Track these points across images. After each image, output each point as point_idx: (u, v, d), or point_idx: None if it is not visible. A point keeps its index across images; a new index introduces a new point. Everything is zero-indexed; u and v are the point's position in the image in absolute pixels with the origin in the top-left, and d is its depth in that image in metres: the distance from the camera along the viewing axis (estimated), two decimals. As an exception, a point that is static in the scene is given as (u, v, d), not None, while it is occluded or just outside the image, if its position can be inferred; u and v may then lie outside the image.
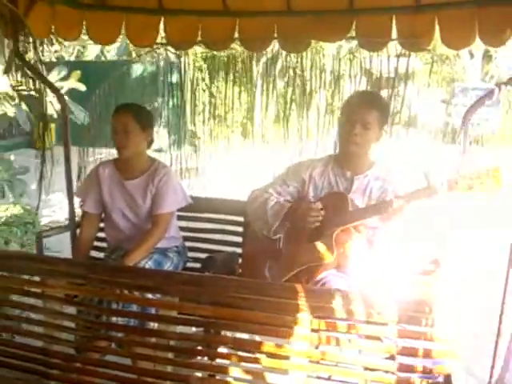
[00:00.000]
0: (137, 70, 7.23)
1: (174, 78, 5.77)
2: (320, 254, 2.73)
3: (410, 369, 1.97)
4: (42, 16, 3.48)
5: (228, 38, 3.66)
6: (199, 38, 3.67)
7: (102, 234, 3.45)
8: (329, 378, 2.12)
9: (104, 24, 3.61)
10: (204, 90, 5.32)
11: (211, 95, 5.30)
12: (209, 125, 5.80)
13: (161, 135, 5.73)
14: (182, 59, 5.29)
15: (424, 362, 1.98)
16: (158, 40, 3.80)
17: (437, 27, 3.19)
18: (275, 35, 3.55)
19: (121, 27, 3.64)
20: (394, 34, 3.35)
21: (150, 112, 3.30)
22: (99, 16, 3.60)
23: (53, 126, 6.51)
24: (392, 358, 2.01)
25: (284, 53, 5.07)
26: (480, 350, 3.15)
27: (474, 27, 3.08)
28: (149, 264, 3.02)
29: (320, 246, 2.76)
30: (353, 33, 3.41)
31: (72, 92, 6.28)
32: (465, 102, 12.26)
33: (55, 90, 3.69)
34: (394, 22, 3.29)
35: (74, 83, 6.44)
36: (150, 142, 3.26)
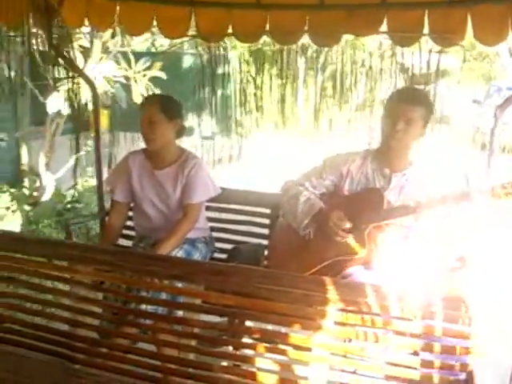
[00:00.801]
0: (195, 61, 7.43)
1: (222, 70, 5.95)
2: (350, 249, 2.73)
3: (432, 365, 1.96)
4: (76, 6, 3.52)
5: (259, 31, 3.65)
6: (230, 31, 3.67)
7: (129, 223, 3.49)
8: (354, 372, 2.12)
9: (136, 14, 3.64)
10: (249, 82, 5.39)
11: (256, 87, 5.37)
12: (253, 115, 5.91)
13: (209, 124, 6.01)
14: (231, 52, 5.43)
15: (446, 358, 1.98)
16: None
17: (469, 23, 3.16)
18: (306, 29, 3.54)
19: (152, 18, 3.66)
20: (427, 30, 3.32)
21: (177, 101, 3.32)
22: (132, 6, 3.62)
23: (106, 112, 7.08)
24: (415, 354, 2.02)
25: (326, 48, 5.10)
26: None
27: (506, 23, 3.04)
28: (180, 254, 3.04)
29: (351, 240, 2.75)
30: (385, 28, 3.38)
31: (154, 80, 6.73)
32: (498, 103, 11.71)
33: (87, 80, 3.73)
34: (426, 16, 3.26)
35: (157, 72, 6.77)
36: (179, 132, 3.26)
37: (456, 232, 2.68)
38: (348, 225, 2.74)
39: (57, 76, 5.09)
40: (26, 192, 6.53)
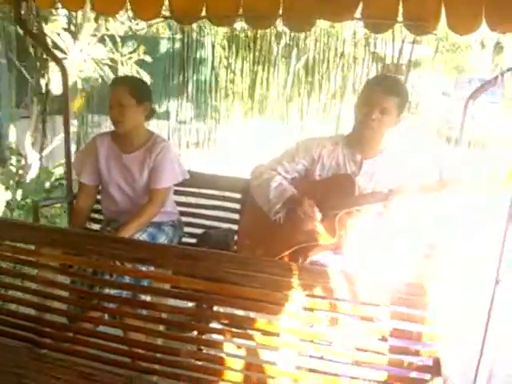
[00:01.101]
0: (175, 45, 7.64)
1: (198, 55, 6.08)
2: (319, 235, 2.73)
3: (401, 350, 1.98)
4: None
5: (232, 15, 3.61)
6: (203, 13, 3.63)
7: (98, 206, 3.45)
8: (321, 358, 2.12)
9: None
10: (225, 68, 5.46)
11: (232, 73, 5.44)
12: (228, 100, 6.03)
13: (185, 108, 6.22)
14: (207, 37, 5.54)
15: (414, 344, 2.00)
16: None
17: (443, 11, 3.16)
18: (280, 13, 3.51)
19: (125, -1, 3.59)
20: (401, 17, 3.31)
21: (147, 84, 3.27)
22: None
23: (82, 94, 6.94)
24: (384, 339, 2.03)
25: (302, 35, 5.18)
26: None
27: (480, 12, 3.04)
28: (143, 237, 3.02)
29: (321, 226, 2.75)
30: (359, 14, 3.37)
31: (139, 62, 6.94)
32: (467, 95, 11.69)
33: (57, 60, 3.66)
34: (400, 3, 3.26)
35: (142, 55, 6.98)
36: (149, 115, 3.23)
37: (426, 219, 2.70)
38: (318, 215, 2.74)
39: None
40: (13, 170, 6.54)
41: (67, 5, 3.72)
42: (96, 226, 3.53)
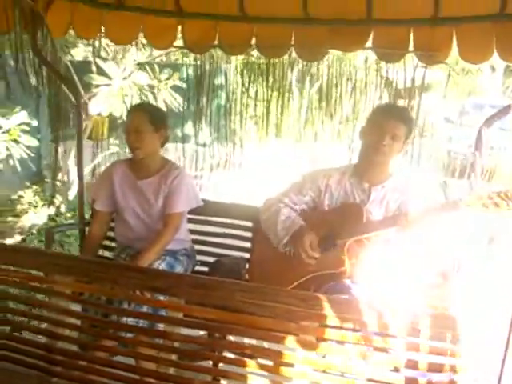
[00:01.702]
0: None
1: (218, 82, 6.38)
2: (331, 264, 2.73)
3: (416, 382, 1.96)
4: (61, 14, 3.51)
5: (245, 44, 3.65)
6: (216, 42, 3.67)
7: (110, 233, 3.45)
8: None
9: (122, 24, 3.62)
10: (243, 93, 5.68)
11: (249, 98, 5.68)
12: (247, 124, 6.31)
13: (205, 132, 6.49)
14: (226, 65, 5.86)
15: (428, 375, 1.98)
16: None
17: (454, 41, 3.19)
18: (292, 43, 3.55)
19: (139, 28, 3.65)
20: (412, 47, 3.34)
21: (163, 112, 3.31)
22: (118, 16, 3.60)
23: (106, 120, 7.64)
24: (396, 370, 2.01)
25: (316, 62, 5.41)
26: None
27: (491, 42, 3.07)
28: (162, 266, 3.03)
29: (331, 255, 2.76)
30: (371, 44, 3.40)
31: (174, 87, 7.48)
32: (473, 122, 10.21)
33: (72, 88, 3.70)
34: (411, 34, 3.29)
35: (177, 81, 7.45)
36: (164, 142, 3.26)
37: (437, 245, 2.69)
38: (316, 254, 2.77)
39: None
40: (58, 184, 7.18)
41: (82, 33, 3.78)
42: (107, 253, 3.53)
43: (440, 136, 12.74)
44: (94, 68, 7.07)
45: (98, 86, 6.85)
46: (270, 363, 2.12)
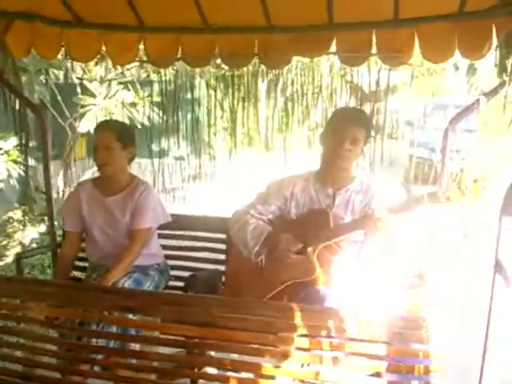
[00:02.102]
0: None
1: (191, 95, 6.65)
2: (303, 271, 2.72)
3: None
4: (21, 34, 3.44)
5: (208, 55, 3.63)
6: (179, 55, 3.65)
7: (82, 254, 3.40)
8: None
9: (83, 42, 3.58)
10: (216, 106, 5.80)
11: (222, 110, 5.81)
12: (220, 136, 6.46)
13: (181, 145, 6.77)
14: (198, 79, 6.10)
15: (410, 377, 1.97)
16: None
17: (416, 42, 3.21)
18: (256, 51, 3.54)
19: (101, 45, 3.61)
20: (375, 49, 3.35)
21: (132, 129, 3.28)
22: (78, 33, 3.56)
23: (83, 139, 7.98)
24: (378, 375, 2.00)
25: (285, 71, 5.56)
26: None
27: (453, 41, 3.10)
28: (128, 283, 2.98)
29: (303, 263, 2.74)
30: (334, 48, 3.41)
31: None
32: (435, 124, 10.32)
33: (33, 108, 3.65)
34: (373, 36, 3.30)
35: (156, 98, 7.46)
36: (131, 159, 3.24)
37: (408, 245, 2.70)
38: (299, 246, 2.76)
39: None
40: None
41: (43, 53, 3.73)
42: (80, 274, 3.48)
43: (402, 140, 12.54)
44: (78, 89, 7.51)
45: (83, 105, 7.23)
46: (250, 376, 2.10)
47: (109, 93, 7.46)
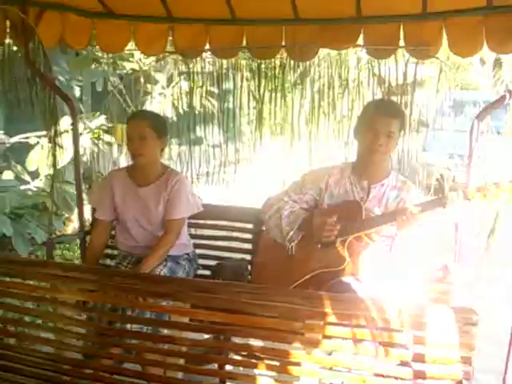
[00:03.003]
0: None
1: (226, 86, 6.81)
2: (331, 261, 2.75)
3: (424, 375, 1.97)
4: (52, 24, 3.49)
5: (235, 46, 3.66)
6: (207, 46, 3.68)
7: (110, 242, 3.45)
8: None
9: (113, 32, 3.62)
10: (250, 96, 6.13)
11: (256, 101, 6.00)
12: (253, 125, 6.67)
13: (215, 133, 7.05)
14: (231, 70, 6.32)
15: (437, 368, 1.98)
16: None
17: (444, 35, 3.21)
18: (283, 43, 3.56)
19: (130, 36, 3.65)
20: (402, 42, 3.36)
21: (164, 119, 3.32)
22: (108, 24, 3.61)
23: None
24: (405, 364, 2.02)
25: (315, 63, 5.74)
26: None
27: (481, 35, 3.09)
28: (164, 271, 3.03)
29: (332, 253, 2.77)
30: (361, 41, 3.42)
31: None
32: (451, 124, 8.71)
33: (66, 98, 3.70)
34: (401, 29, 3.30)
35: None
36: (163, 149, 3.28)
37: (436, 240, 2.71)
38: (334, 219, 2.76)
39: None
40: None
41: (73, 43, 3.78)
42: (109, 262, 3.54)
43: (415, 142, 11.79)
44: (142, 79, 7.46)
45: (147, 93, 7.37)
46: (276, 363, 2.13)
47: (171, 82, 7.54)
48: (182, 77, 7.21)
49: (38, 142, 5.94)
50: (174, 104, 7.19)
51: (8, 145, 6.80)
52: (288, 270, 2.88)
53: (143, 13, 3.59)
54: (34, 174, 6.09)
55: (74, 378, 2.34)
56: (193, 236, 3.51)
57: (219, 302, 2.15)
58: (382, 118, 2.77)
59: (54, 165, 4.05)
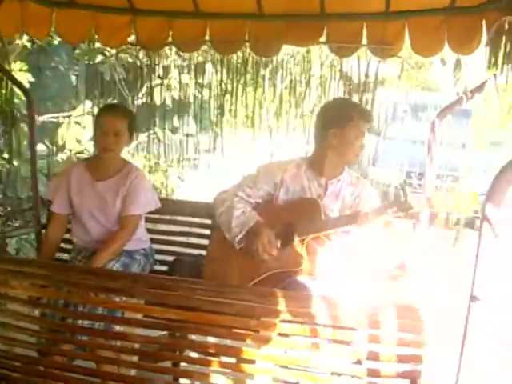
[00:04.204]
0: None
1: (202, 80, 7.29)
2: (289, 261, 2.72)
3: (378, 373, 1.97)
4: (11, 13, 3.41)
5: (199, 40, 3.64)
6: (170, 39, 3.65)
7: (66, 236, 3.38)
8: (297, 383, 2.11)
9: (74, 22, 3.55)
10: (223, 89, 6.40)
11: (228, 94, 6.43)
12: (225, 117, 7.16)
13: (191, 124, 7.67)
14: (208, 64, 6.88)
15: (391, 366, 1.99)
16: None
17: (407, 34, 3.23)
18: (246, 38, 3.54)
19: (91, 26, 3.59)
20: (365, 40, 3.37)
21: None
22: (69, 14, 3.53)
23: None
24: (359, 362, 2.02)
25: (285, 59, 6.26)
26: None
27: (443, 35, 3.12)
28: (116, 266, 2.98)
29: (290, 252, 2.75)
30: (324, 38, 3.42)
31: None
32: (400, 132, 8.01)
33: (22, 88, 3.63)
34: (364, 28, 3.31)
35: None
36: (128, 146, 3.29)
37: (393, 239, 2.72)
38: (274, 250, 2.74)
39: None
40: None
41: (33, 32, 3.71)
42: (65, 256, 3.48)
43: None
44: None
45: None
46: (231, 361, 2.11)
47: (168, 74, 7.64)
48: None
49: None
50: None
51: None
52: (242, 267, 2.83)
53: (105, 4, 3.53)
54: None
55: (25, 375, 2.29)
56: (151, 231, 3.46)
57: (173, 298, 2.12)
58: (361, 121, 2.82)
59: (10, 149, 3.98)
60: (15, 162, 5.26)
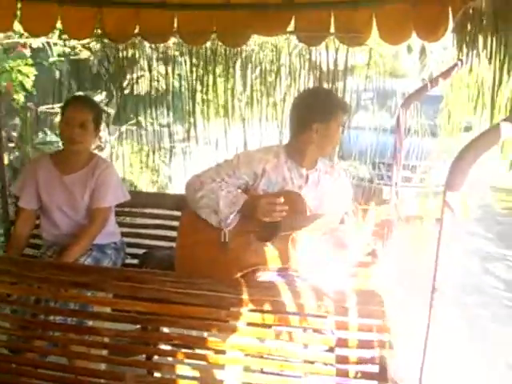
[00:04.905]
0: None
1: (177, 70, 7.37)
2: (272, 258, 2.68)
3: (347, 360, 1.99)
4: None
5: (167, 31, 3.62)
6: (137, 31, 3.62)
7: (34, 231, 3.34)
8: (275, 373, 2.11)
9: (38, 15, 3.49)
10: (197, 80, 6.75)
11: (202, 84, 6.81)
12: (199, 106, 7.40)
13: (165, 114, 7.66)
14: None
15: (361, 352, 2.01)
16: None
17: (374, 23, 3.24)
18: (214, 29, 3.53)
19: (56, 18, 3.54)
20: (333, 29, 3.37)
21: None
22: (34, 6, 3.47)
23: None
24: (331, 350, 2.04)
25: (256, 49, 6.36)
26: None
27: (409, 23, 3.14)
28: (88, 261, 2.96)
29: (273, 248, 2.70)
30: (292, 27, 3.42)
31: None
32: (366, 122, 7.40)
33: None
34: (332, 17, 3.32)
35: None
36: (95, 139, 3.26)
37: (366, 228, 2.72)
38: (282, 200, 2.64)
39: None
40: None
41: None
42: (33, 252, 3.44)
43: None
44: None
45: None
46: (202, 352, 2.12)
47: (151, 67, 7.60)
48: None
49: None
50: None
51: None
52: (220, 259, 2.73)
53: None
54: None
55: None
56: (121, 224, 3.44)
57: (144, 291, 2.11)
58: (340, 112, 2.82)
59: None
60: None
